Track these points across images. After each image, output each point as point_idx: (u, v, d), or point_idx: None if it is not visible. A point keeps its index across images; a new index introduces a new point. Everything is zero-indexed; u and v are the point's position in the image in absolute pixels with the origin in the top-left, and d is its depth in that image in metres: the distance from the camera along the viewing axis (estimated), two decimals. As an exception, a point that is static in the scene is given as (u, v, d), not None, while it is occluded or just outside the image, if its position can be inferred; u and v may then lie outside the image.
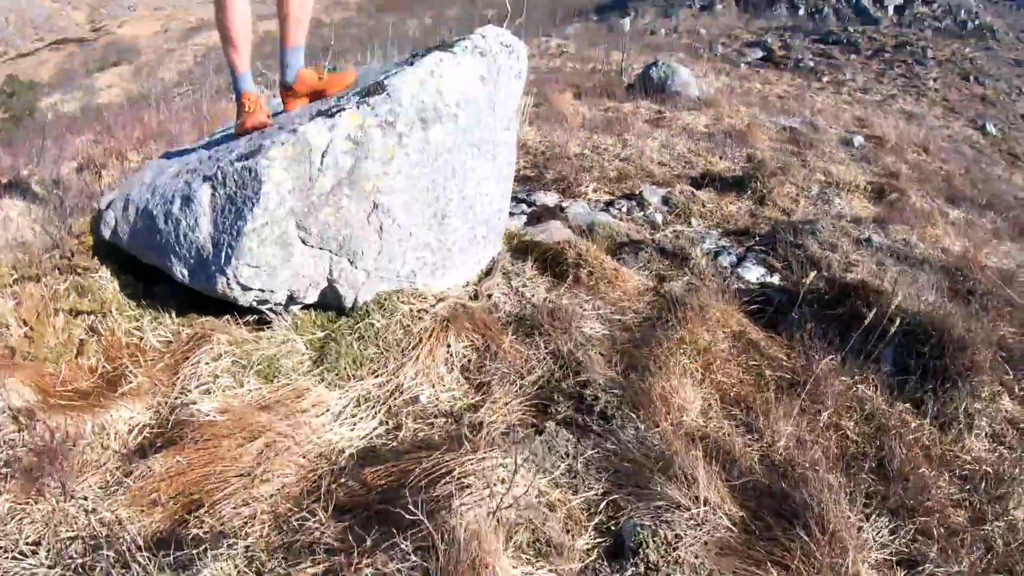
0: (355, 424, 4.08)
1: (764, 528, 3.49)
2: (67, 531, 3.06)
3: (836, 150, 12.59)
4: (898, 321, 4.57)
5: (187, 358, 4.53)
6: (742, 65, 25.00)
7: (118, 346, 4.59)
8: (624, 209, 8.08)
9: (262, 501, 3.36)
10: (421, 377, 4.37)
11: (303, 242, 4.38)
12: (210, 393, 4.20)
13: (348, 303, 4.74)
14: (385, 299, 4.73)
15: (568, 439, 4.04)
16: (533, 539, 3.16)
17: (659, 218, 8.03)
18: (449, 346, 4.56)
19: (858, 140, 13.79)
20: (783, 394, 4.88)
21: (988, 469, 4.15)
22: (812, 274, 6.07)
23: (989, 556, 3.47)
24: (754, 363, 5.30)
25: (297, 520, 3.16)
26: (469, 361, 4.61)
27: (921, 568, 3.33)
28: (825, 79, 25.19)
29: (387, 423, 4.15)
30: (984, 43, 29.57)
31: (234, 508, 3.30)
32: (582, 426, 4.24)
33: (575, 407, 4.37)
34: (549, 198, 8.14)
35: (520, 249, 6.17)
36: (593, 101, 13.38)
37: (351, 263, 4.56)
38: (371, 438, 4.01)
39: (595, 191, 8.55)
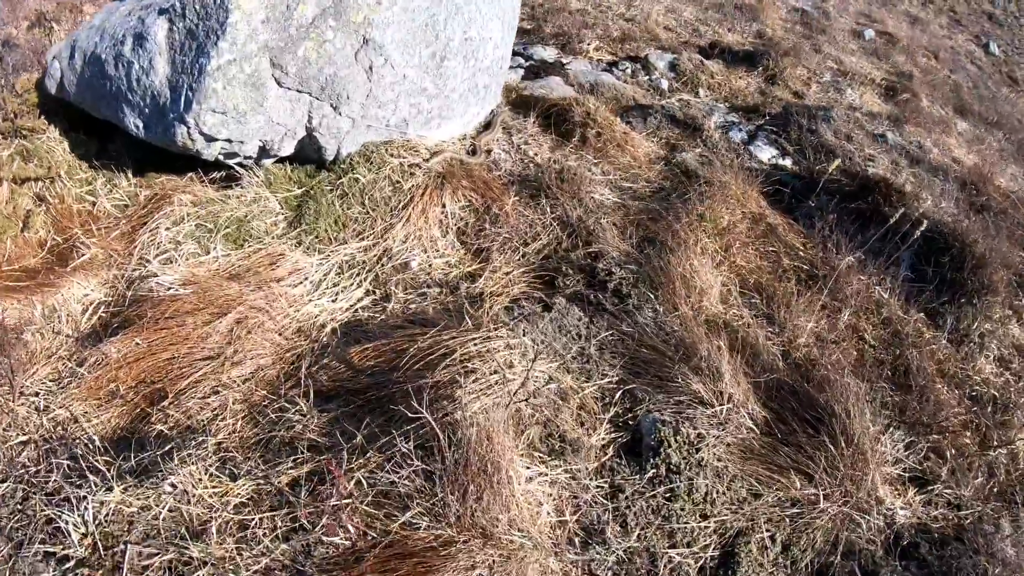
0: (337, 294, 3.44)
1: (788, 432, 3.08)
2: (17, 435, 2.47)
3: (847, 40, 11.70)
4: (923, 226, 4.13)
5: (145, 223, 3.79)
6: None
7: (68, 215, 3.88)
8: (628, 71, 7.22)
9: (234, 388, 2.74)
10: (412, 241, 3.70)
11: (278, 83, 3.52)
12: (172, 263, 3.57)
13: (329, 155, 3.96)
14: (372, 151, 3.98)
15: (580, 318, 3.49)
16: (546, 434, 2.64)
17: (665, 85, 7.23)
18: (444, 206, 3.87)
19: (869, 34, 12.84)
20: (802, 286, 4.41)
21: (995, 393, 3.90)
22: (836, 162, 5.52)
23: (991, 483, 3.25)
24: (772, 249, 4.80)
25: (275, 411, 2.56)
26: (466, 224, 3.94)
27: (931, 488, 3.09)
28: (828, -36, 23.49)
29: (374, 293, 3.52)
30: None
31: (202, 398, 2.70)
32: (594, 303, 3.68)
33: (586, 281, 3.78)
34: (548, 53, 7.19)
35: (520, 104, 5.35)
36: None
37: (334, 109, 3.72)
38: (356, 310, 3.40)
39: (596, 50, 7.61)
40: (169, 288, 3.39)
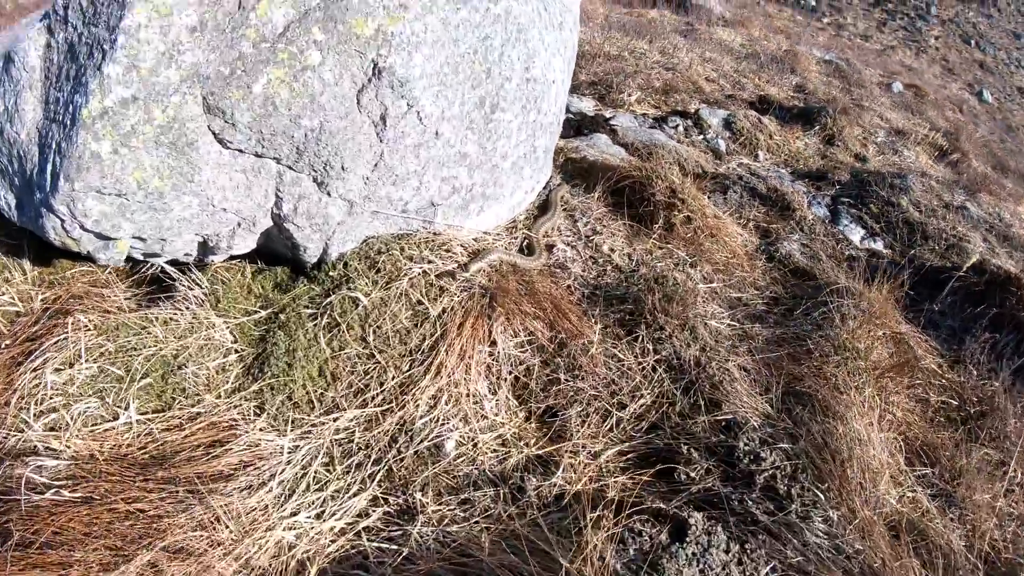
0: (325, 505, 1.95)
1: None
2: None
3: (880, 94, 10.62)
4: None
5: (32, 352, 2.30)
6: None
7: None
8: (680, 129, 5.87)
9: None
10: (446, 404, 2.23)
11: (220, 141, 2.06)
12: (61, 430, 2.22)
13: (311, 256, 2.52)
14: (380, 251, 2.57)
15: (727, 548, 1.99)
16: None
17: (722, 145, 5.90)
18: (494, 344, 2.40)
19: (897, 87, 11.79)
20: (958, 430, 3.24)
21: None
22: (972, 259, 4.26)
23: None
24: (918, 380, 3.41)
25: None
26: (528, 372, 2.46)
27: None
28: (826, 20, 22.97)
29: (386, 501, 2.04)
30: (986, 9, 27.70)
31: None
32: (741, 514, 2.22)
33: (722, 472, 2.33)
34: (585, 104, 5.83)
35: (572, 172, 3.91)
36: (611, 4, 10.87)
37: (319, 185, 2.29)
38: (358, 537, 1.89)
39: (639, 102, 6.28)
40: (51, 487, 2.00)
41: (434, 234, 2.68)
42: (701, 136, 5.92)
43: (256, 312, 2.49)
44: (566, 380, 2.45)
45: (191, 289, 2.46)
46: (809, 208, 4.91)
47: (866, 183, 6.21)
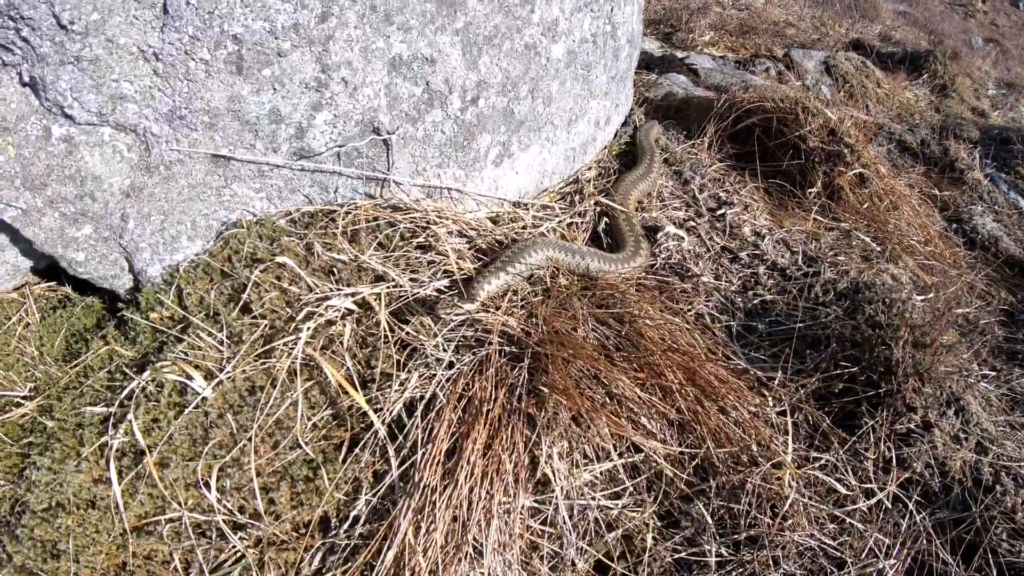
0: None
1: None
2: None
3: (964, 45, 8.65)
4: None
5: None
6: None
7: None
8: (772, 72, 4.16)
9: None
10: None
11: None
12: None
13: (105, 279, 1.00)
14: (257, 256, 1.16)
15: None
16: None
17: (827, 92, 4.16)
18: (544, 486, 0.82)
19: (977, 41, 9.75)
20: None
21: None
22: None
23: None
24: None
25: None
26: (632, 550, 0.81)
27: None
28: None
29: None
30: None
31: None
32: None
33: None
34: (649, 44, 4.14)
35: (653, 111, 2.29)
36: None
37: (33, 87, 0.73)
38: None
39: (712, 44, 4.56)
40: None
41: (392, 209, 1.12)
42: (799, 81, 4.20)
43: (22, 402, 0.98)
44: (728, 568, 0.88)
45: None
46: (979, 169, 3.20)
47: (1004, 141, 4.53)
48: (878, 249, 1.75)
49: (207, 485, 0.93)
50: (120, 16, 0.86)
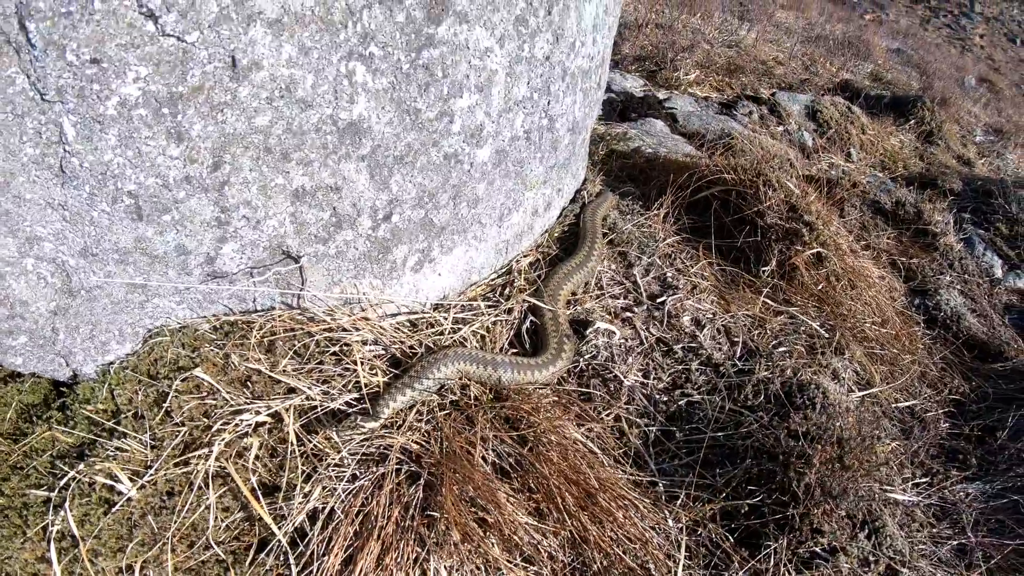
0: None
1: None
2: None
3: (956, 87, 8.74)
4: None
5: None
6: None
7: None
8: (755, 116, 4.16)
9: None
10: None
11: None
12: None
13: (48, 372, 1.10)
14: (179, 363, 1.16)
15: None
16: None
17: (808, 139, 4.19)
18: None
19: (970, 81, 9.87)
20: None
21: None
22: None
23: None
24: None
25: None
26: None
27: None
28: (868, 16, 20.61)
29: None
30: (1030, 6, 24.72)
31: None
32: None
33: None
34: (631, 83, 4.15)
35: (617, 170, 2.27)
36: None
37: None
38: None
39: (697, 83, 4.55)
40: None
41: (309, 319, 1.08)
42: (781, 127, 4.19)
43: None
44: None
45: None
46: (953, 233, 3.18)
47: (986, 194, 4.56)
48: (826, 336, 1.72)
49: (132, 577, 0.94)
50: (23, 177, 0.88)
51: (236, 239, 1.00)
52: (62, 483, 1.00)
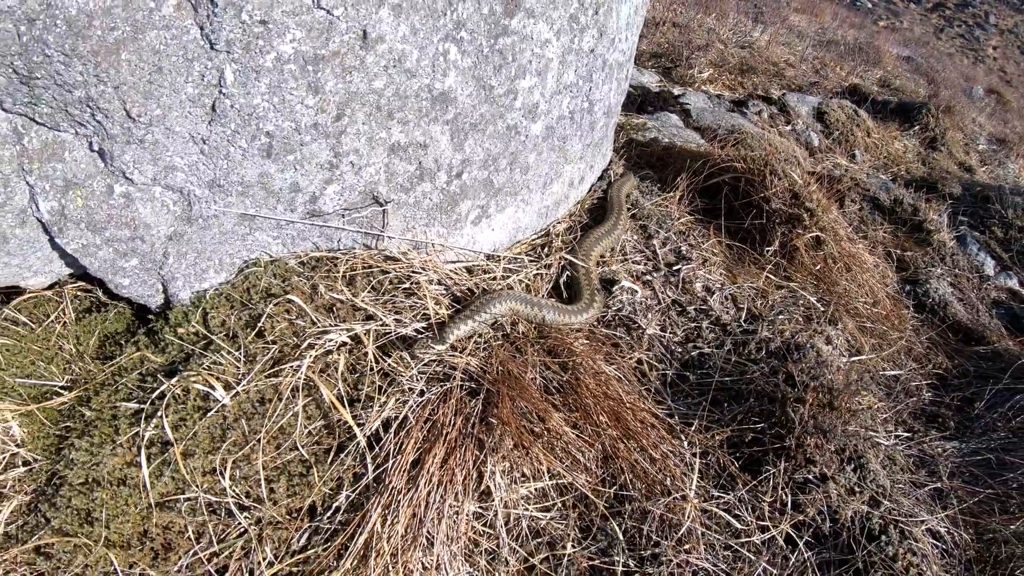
0: None
1: None
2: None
3: (963, 96, 8.89)
4: None
5: None
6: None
7: None
8: (764, 115, 4.35)
9: None
10: None
11: None
12: None
13: (144, 296, 1.34)
14: (271, 291, 1.35)
15: None
16: None
17: (814, 139, 4.39)
18: (487, 496, 1.05)
19: (977, 91, 9.98)
20: None
21: None
22: None
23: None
24: None
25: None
26: (555, 557, 1.02)
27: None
28: (882, 23, 20.70)
29: None
30: (1043, 20, 24.81)
31: None
32: None
33: None
34: (647, 78, 4.35)
35: (636, 156, 2.48)
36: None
37: (101, 155, 1.13)
38: None
39: (711, 81, 4.76)
40: None
41: (385, 258, 1.30)
42: (789, 126, 4.40)
43: (61, 392, 1.18)
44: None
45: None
46: (947, 230, 3.39)
47: (984, 199, 4.74)
48: (822, 309, 1.94)
49: (221, 473, 1.14)
50: (178, 112, 1.07)
51: (339, 181, 1.22)
52: (154, 395, 1.20)
